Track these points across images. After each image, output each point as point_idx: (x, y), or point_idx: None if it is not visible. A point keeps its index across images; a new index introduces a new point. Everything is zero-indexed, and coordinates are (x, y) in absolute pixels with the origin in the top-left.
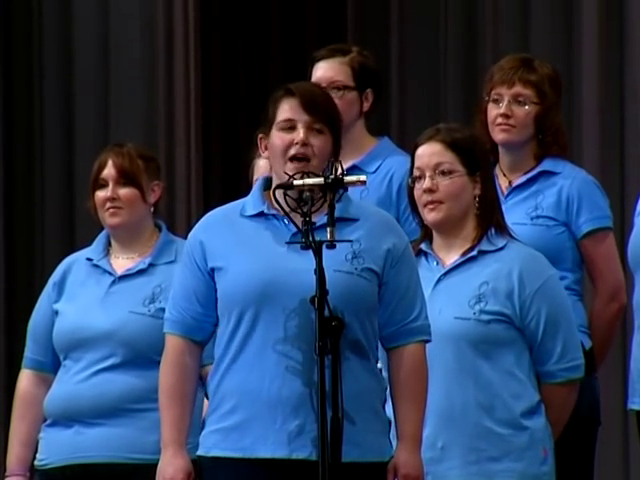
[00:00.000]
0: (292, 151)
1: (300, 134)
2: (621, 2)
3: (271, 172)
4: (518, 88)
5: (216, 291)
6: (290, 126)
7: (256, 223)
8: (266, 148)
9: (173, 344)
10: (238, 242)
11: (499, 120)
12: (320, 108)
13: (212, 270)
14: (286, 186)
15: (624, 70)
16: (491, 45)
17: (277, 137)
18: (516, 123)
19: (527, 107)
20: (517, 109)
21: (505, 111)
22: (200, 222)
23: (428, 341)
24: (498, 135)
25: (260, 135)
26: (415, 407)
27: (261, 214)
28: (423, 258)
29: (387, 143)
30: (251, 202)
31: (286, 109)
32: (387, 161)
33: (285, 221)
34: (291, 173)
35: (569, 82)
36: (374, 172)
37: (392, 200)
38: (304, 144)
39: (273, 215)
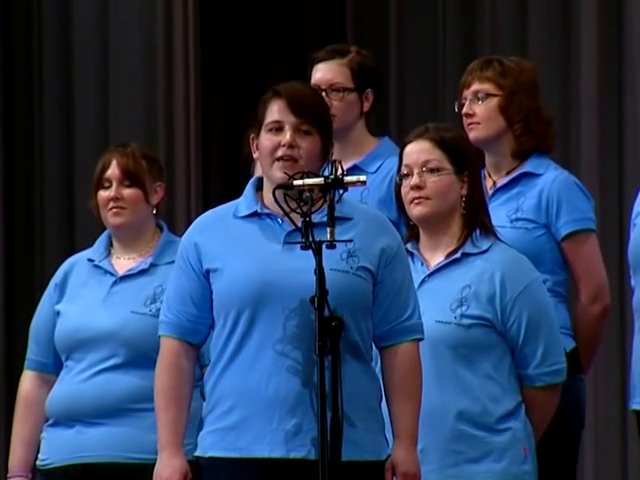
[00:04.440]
0: (279, 153)
1: (287, 136)
2: (620, 1)
3: (258, 172)
4: (476, 86)
5: (211, 293)
6: (277, 127)
7: (250, 223)
8: (257, 148)
9: (169, 346)
10: (233, 243)
11: (465, 120)
12: (307, 109)
13: (207, 272)
14: (286, 186)
15: (623, 68)
16: (490, 44)
17: (265, 139)
18: (479, 119)
19: (485, 101)
20: (476, 105)
21: (466, 110)
22: (193, 224)
23: (421, 339)
24: (469, 135)
25: (252, 135)
26: (411, 405)
27: (254, 214)
28: (409, 258)
29: (388, 143)
30: (244, 203)
31: (274, 110)
32: (388, 161)
33: (279, 220)
34: (279, 174)
35: (567, 80)
36: (375, 172)
37: (393, 201)
38: (290, 146)
39: (266, 214)
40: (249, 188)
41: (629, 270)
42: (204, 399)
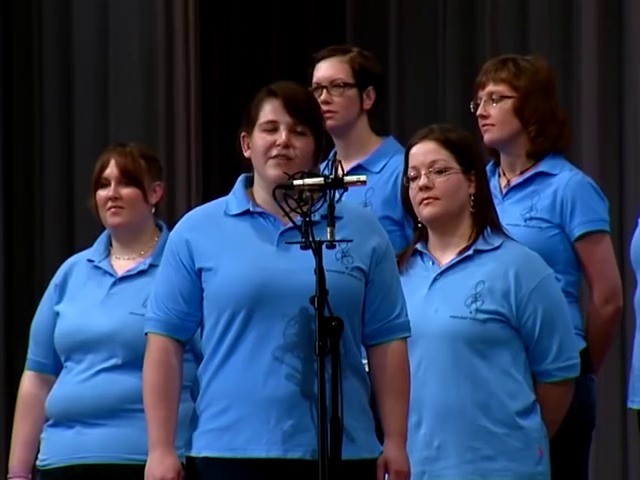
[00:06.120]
0: (273, 152)
1: (282, 136)
2: (620, 1)
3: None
4: (490, 87)
5: (202, 291)
6: (272, 127)
7: (242, 222)
8: (248, 147)
9: (157, 344)
10: (226, 242)
11: (480, 122)
12: (302, 109)
13: (200, 270)
14: (286, 186)
15: (623, 68)
16: (490, 45)
17: (259, 138)
18: (494, 121)
19: (500, 103)
20: (491, 107)
21: (480, 112)
22: (183, 221)
23: (409, 337)
24: (484, 136)
25: (243, 134)
26: (401, 403)
27: (246, 212)
28: (419, 258)
29: (392, 142)
30: (234, 201)
31: (268, 110)
32: (392, 161)
33: (272, 219)
34: (273, 171)
35: (568, 81)
36: (379, 172)
37: (397, 200)
38: (286, 146)
39: (259, 213)
40: (238, 186)
41: (630, 269)
42: (194, 400)
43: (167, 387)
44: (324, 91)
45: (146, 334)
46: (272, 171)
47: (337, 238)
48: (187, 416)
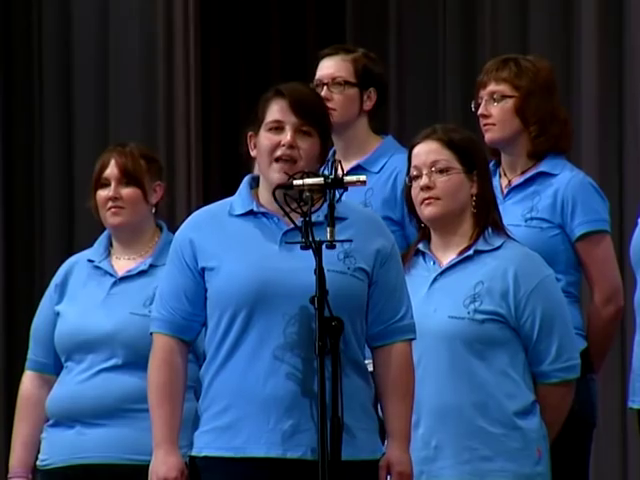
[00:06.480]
0: (278, 152)
1: (287, 136)
2: (620, 0)
3: (258, 171)
4: (492, 86)
5: (206, 290)
6: (278, 127)
7: (245, 222)
8: (255, 146)
9: (162, 343)
10: (229, 241)
11: (481, 121)
12: (309, 110)
13: (203, 270)
14: (286, 186)
15: (623, 69)
16: (490, 45)
17: (265, 137)
18: (495, 120)
19: (501, 103)
20: (492, 107)
21: (481, 111)
22: (188, 221)
23: (414, 339)
24: (485, 136)
25: (250, 133)
26: (405, 405)
27: (250, 213)
28: (420, 258)
29: (391, 142)
30: (239, 201)
31: (275, 110)
32: (392, 160)
33: (275, 219)
34: (277, 175)
35: (568, 81)
36: (378, 172)
37: (397, 200)
38: (291, 146)
39: (262, 214)
40: (243, 186)
41: (630, 269)
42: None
43: (171, 386)
44: (325, 88)
45: (151, 334)
46: (276, 175)
47: (342, 238)
48: (191, 416)
